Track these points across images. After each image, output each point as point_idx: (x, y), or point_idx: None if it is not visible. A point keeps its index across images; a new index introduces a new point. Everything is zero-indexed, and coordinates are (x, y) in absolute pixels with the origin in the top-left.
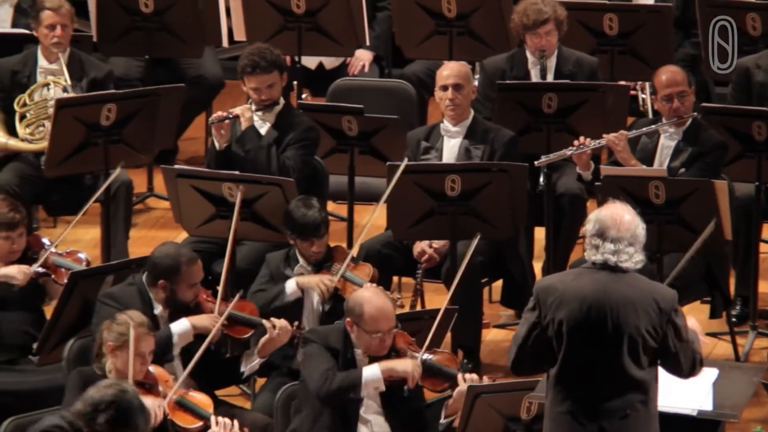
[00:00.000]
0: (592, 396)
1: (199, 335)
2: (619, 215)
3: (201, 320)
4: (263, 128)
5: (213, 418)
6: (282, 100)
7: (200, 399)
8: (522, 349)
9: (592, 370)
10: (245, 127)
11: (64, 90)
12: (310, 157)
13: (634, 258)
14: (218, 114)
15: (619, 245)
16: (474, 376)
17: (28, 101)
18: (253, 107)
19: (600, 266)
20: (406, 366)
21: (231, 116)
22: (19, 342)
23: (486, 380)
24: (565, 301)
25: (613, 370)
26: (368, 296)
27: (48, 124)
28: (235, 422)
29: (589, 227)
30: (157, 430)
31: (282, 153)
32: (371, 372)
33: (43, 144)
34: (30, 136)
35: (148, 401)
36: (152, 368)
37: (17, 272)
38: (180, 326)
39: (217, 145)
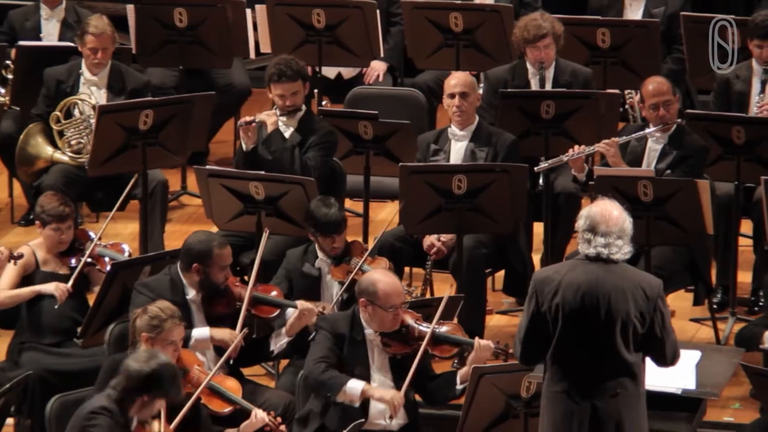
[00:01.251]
0: (586, 377)
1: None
2: (608, 211)
3: (221, 333)
4: (287, 132)
5: (254, 411)
6: (304, 107)
7: (231, 385)
8: (527, 341)
9: (586, 353)
10: (271, 131)
11: (94, 108)
12: (329, 158)
13: (623, 250)
14: (246, 118)
15: (609, 239)
16: (488, 342)
17: (62, 119)
18: (278, 112)
19: (592, 258)
20: (384, 395)
21: (257, 121)
22: (65, 326)
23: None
24: (561, 290)
25: (605, 352)
26: (379, 276)
27: (86, 140)
28: (263, 415)
29: (581, 223)
30: (190, 413)
31: (304, 154)
32: (353, 387)
33: (86, 158)
34: (74, 154)
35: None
36: (184, 354)
37: (55, 289)
38: (200, 332)
39: (244, 146)
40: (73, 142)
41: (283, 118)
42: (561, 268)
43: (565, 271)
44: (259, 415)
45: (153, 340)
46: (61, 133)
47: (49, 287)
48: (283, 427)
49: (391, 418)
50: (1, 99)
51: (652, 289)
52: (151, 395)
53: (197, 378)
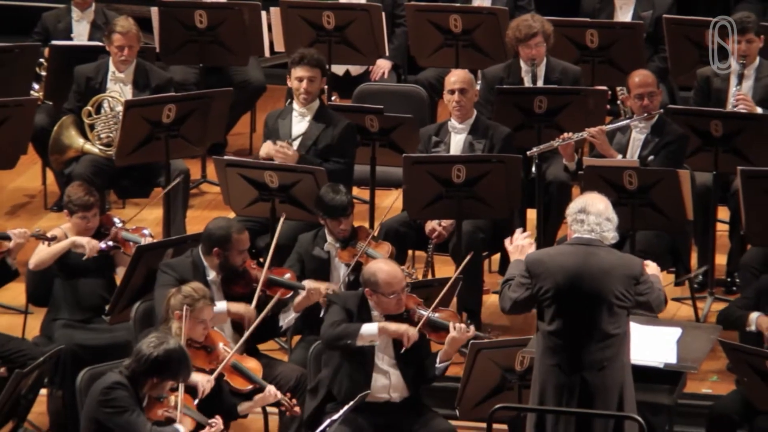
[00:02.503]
0: (575, 351)
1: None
2: (594, 200)
3: (236, 307)
4: (303, 122)
5: (267, 387)
6: (318, 101)
7: (252, 365)
8: (516, 303)
9: (575, 329)
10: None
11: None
12: (354, 148)
13: (611, 232)
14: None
15: (600, 218)
16: (463, 326)
17: (93, 113)
18: (294, 103)
19: (578, 242)
20: (399, 327)
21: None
22: (94, 304)
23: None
24: (551, 271)
25: (592, 329)
26: (380, 266)
27: (114, 134)
28: (276, 392)
29: (572, 207)
30: (213, 390)
31: (325, 150)
32: (369, 327)
33: (114, 151)
34: (103, 147)
35: (198, 376)
36: (213, 333)
37: (86, 243)
38: (217, 306)
39: None
40: (102, 136)
41: (296, 105)
42: (551, 251)
43: (554, 254)
44: (272, 391)
45: (185, 318)
46: (91, 127)
47: (82, 240)
48: (297, 409)
49: (409, 347)
50: (36, 94)
51: (633, 268)
52: (161, 377)
53: (222, 356)
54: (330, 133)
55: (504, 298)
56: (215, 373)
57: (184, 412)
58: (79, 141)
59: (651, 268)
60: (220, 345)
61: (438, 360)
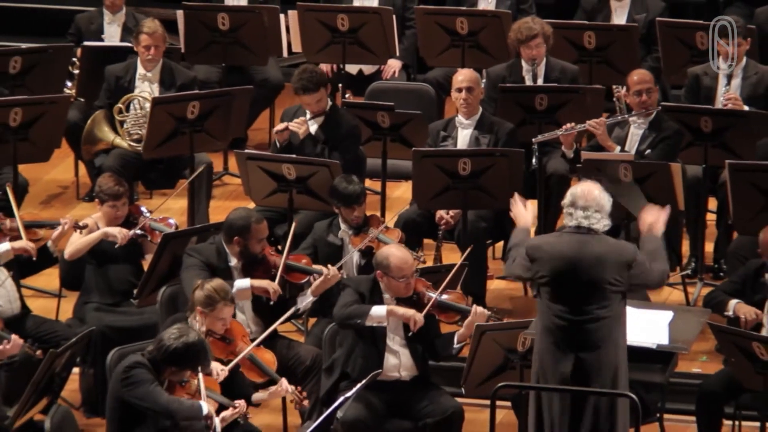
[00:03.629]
0: (572, 332)
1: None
2: (589, 189)
3: (259, 282)
4: (314, 126)
5: (280, 381)
6: (329, 102)
7: (268, 358)
8: (519, 278)
9: (572, 311)
10: (303, 137)
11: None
12: (356, 147)
13: (602, 222)
14: (279, 126)
15: (588, 212)
16: (484, 310)
17: (123, 110)
18: (308, 115)
19: (576, 230)
20: (407, 312)
21: (290, 130)
22: (123, 288)
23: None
24: (549, 257)
25: (586, 312)
26: (392, 250)
27: (143, 132)
28: (287, 386)
29: (565, 201)
30: (230, 379)
31: (332, 149)
32: (378, 309)
33: (141, 146)
34: (133, 143)
35: (214, 364)
36: (234, 325)
37: (118, 232)
38: (241, 283)
39: (278, 144)
40: (132, 132)
41: (312, 120)
42: (549, 238)
43: (553, 241)
44: (284, 385)
45: (206, 314)
46: (122, 123)
47: (114, 230)
48: (306, 402)
49: (416, 331)
50: (69, 92)
51: (628, 254)
52: (179, 367)
53: (240, 348)
54: (337, 133)
55: (508, 268)
56: (230, 365)
57: (207, 395)
58: (110, 135)
59: (652, 215)
60: (240, 339)
61: (455, 340)
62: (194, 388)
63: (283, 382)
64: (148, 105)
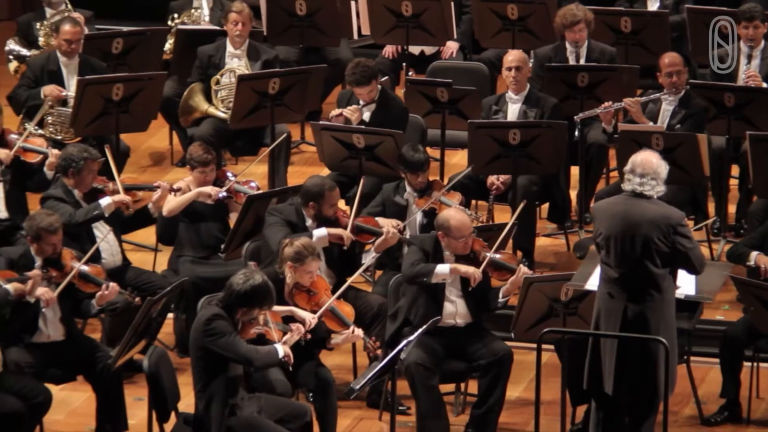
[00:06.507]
0: (622, 284)
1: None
2: (648, 158)
3: (335, 231)
4: (367, 114)
5: (352, 328)
6: (378, 90)
7: (347, 310)
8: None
9: (622, 266)
10: (356, 123)
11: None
12: (405, 127)
13: (656, 188)
14: (335, 112)
15: (644, 179)
16: (527, 270)
17: (220, 80)
18: (361, 103)
19: (631, 194)
20: (468, 269)
21: (345, 116)
22: (212, 243)
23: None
24: (606, 217)
25: (636, 267)
26: (452, 213)
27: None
28: (362, 334)
29: (626, 167)
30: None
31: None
32: (442, 268)
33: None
34: (224, 109)
35: (306, 314)
36: (318, 280)
37: (211, 190)
38: (319, 232)
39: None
40: (225, 100)
41: (365, 108)
42: (609, 201)
43: (611, 203)
44: (359, 333)
45: (295, 268)
46: (216, 93)
47: (207, 189)
48: (379, 351)
49: (475, 286)
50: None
51: (674, 218)
52: (248, 307)
53: (323, 300)
54: (388, 118)
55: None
56: (318, 313)
57: (273, 327)
58: (204, 105)
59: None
60: (323, 292)
61: (501, 295)
62: (262, 321)
63: (360, 331)
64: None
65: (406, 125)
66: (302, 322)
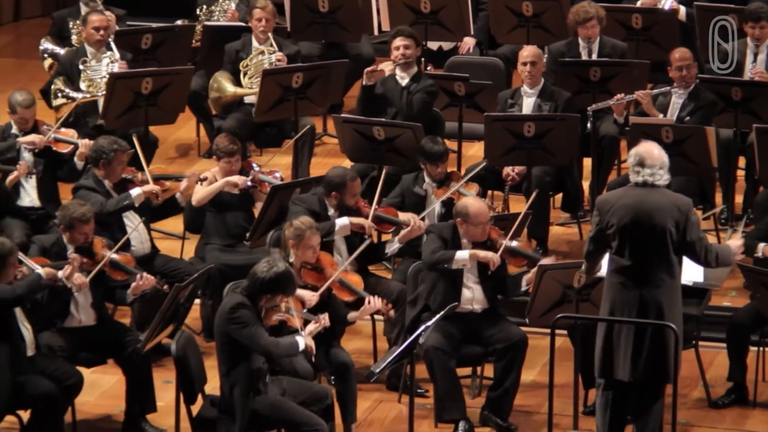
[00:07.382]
0: (636, 272)
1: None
2: (650, 150)
3: (357, 219)
4: (403, 81)
5: (368, 297)
6: (415, 67)
7: (355, 280)
8: (591, 240)
9: (636, 255)
10: (387, 75)
11: (272, 54)
12: (430, 101)
13: (663, 177)
14: (371, 67)
15: (654, 169)
16: (548, 259)
17: (249, 63)
18: (394, 63)
19: (642, 185)
20: (487, 254)
21: (379, 69)
22: (238, 232)
23: (553, 259)
24: (616, 209)
25: (650, 255)
26: (470, 201)
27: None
28: (379, 299)
29: (631, 160)
30: (329, 304)
31: (412, 95)
32: (462, 253)
33: (257, 90)
34: (250, 85)
35: (306, 293)
36: (323, 256)
37: (238, 179)
38: (341, 221)
39: (364, 82)
40: (254, 78)
41: (399, 70)
42: (617, 193)
43: (620, 194)
44: (372, 301)
45: (297, 245)
46: (245, 74)
47: (234, 178)
48: (392, 312)
49: (493, 270)
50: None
51: (685, 206)
52: (272, 294)
53: (330, 274)
54: (419, 87)
55: (585, 256)
56: (320, 290)
57: (294, 315)
58: (230, 89)
59: (732, 242)
60: (329, 267)
61: (524, 283)
62: (284, 308)
63: (371, 298)
64: (266, 58)
65: (434, 98)
66: (301, 301)
